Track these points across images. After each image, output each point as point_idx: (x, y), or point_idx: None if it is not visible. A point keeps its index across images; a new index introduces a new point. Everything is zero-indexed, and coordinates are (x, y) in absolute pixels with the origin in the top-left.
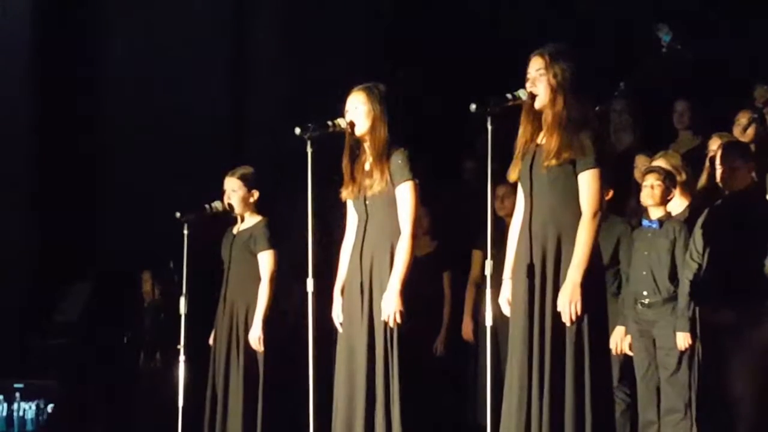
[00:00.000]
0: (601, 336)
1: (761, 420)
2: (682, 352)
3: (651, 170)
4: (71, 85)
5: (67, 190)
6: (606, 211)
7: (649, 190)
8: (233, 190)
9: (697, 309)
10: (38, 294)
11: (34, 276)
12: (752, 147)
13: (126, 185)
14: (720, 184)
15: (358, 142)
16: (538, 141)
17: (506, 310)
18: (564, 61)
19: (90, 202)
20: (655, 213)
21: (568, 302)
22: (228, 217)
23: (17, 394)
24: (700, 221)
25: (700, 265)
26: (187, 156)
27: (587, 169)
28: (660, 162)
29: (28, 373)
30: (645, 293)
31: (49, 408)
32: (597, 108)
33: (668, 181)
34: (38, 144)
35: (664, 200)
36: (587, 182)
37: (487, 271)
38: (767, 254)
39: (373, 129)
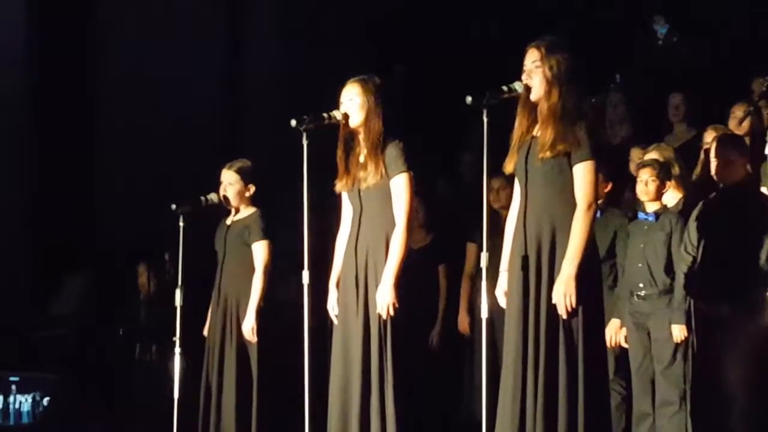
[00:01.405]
0: (597, 328)
1: (755, 412)
2: (677, 345)
3: (645, 165)
4: (69, 83)
5: (64, 183)
6: (604, 204)
7: (644, 186)
8: (230, 183)
9: (692, 301)
10: (34, 286)
11: (29, 268)
12: (747, 140)
13: (122, 177)
14: (715, 177)
15: (352, 134)
16: (534, 133)
17: (503, 303)
18: (560, 53)
19: (86, 195)
20: (651, 206)
21: (563, 294)
22: (224, 209)
23: (13, 387)
24: (694, 214)
25: (694, 258)
26: (183, 148)
27: (582, 160)
28: (653, 154)
29: (25, 365)
30: (641, 285)
31: (45, 401)
32: (593, 100)
33: (663, 174)
34: (37, 139)
35: (659, 194)
36: (582, 174)
37: (483, 264)
38: (762, 247)
39: (367, 121)
